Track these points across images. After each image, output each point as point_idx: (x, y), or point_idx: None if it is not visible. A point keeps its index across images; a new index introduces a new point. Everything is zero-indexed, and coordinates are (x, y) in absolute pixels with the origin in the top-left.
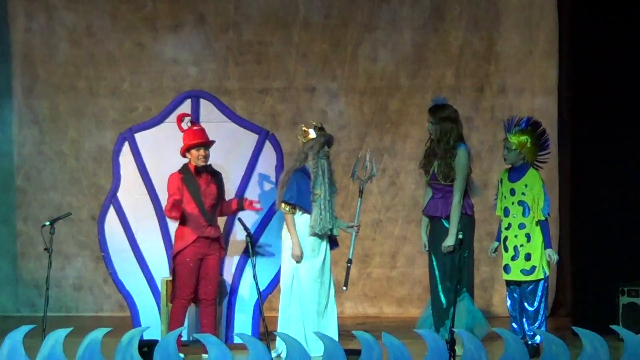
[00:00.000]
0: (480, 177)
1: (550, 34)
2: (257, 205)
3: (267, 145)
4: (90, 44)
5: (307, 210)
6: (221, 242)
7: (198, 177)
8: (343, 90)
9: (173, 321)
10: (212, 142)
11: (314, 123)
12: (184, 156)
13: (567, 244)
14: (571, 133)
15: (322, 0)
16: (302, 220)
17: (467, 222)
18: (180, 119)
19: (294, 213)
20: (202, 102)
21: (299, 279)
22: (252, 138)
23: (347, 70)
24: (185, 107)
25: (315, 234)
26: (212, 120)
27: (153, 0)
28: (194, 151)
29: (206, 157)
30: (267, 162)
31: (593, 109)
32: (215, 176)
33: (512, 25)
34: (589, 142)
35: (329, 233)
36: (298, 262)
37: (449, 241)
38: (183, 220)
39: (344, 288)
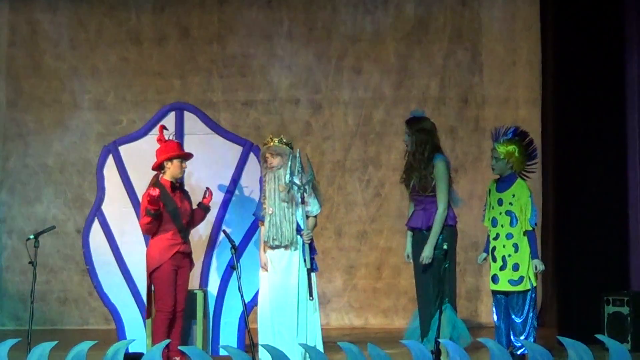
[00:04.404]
0: (465, 187)
1: (534, 45)
2: (208, 194)
3: (252, 157)
4: (74, 58)
5: (263, 222)
6: (191, 256)
7: (173, 194)
8: (327, 101)
9: (157, 335)
10: (191, 155)
11: (274, 136)
12: (160, 168)
13: (552, 254)
14: (555, 144)
15: (305, 12)
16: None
17: (450, 232)
18: (162, 128)
19: (261, 225)
20: (186, 114)
21: (260, 289)
22: (236, 150)
23: (331, 81)
24: (169, 119)
25: (270, 247)
26: (196, 132)
27: (137, 14)
28: (176, 161)
29: (185, 168)
30: (252, 173)
31: (577, 120)
32: (186, 192)
33: (496, 36)
34: (573, 153)
35: (278, 245)
36: (266, 270)
37: (427, 251)
38: (160, 236)
39: (310, 298)
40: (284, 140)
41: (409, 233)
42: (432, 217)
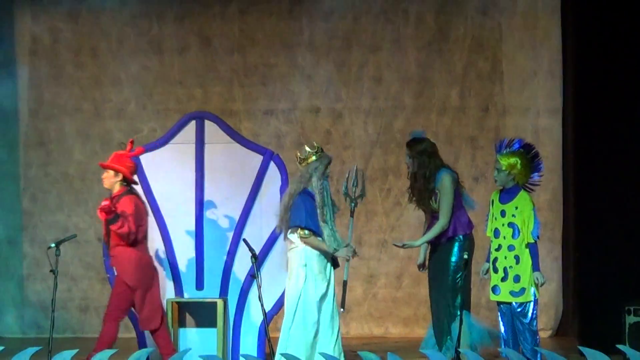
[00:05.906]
0: (485, 196)
1: (555, 54)
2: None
3: (272, 166)
4: (95, 66)
5: (317, 232)
6: (123, 272)
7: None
8: (347, 110)
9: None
10: (107, 165)
11: (316, 144)
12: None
13: (573, 264)
14: (576, 153)
15: (326, 21)
16: None
17: (467, 240)
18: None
19: (310, 235)
20: (207, 123)
21: (305, 299)
22: (257, 159)
23: (352, 90)
24: (190, 128)
25: (329, 257)
26: (216, 141)
27: (159, 23)
28: None
29: (103, 180)
30: (272, 182)
31: (598, 129)
32: (118, 200)
33: (517, 45)
34: (594, 162)
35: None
36: (354, 255)
37: (410, 242)
38: None
39: (342, 309)
40: None
41: (425, 244)
42: (449, 229)
